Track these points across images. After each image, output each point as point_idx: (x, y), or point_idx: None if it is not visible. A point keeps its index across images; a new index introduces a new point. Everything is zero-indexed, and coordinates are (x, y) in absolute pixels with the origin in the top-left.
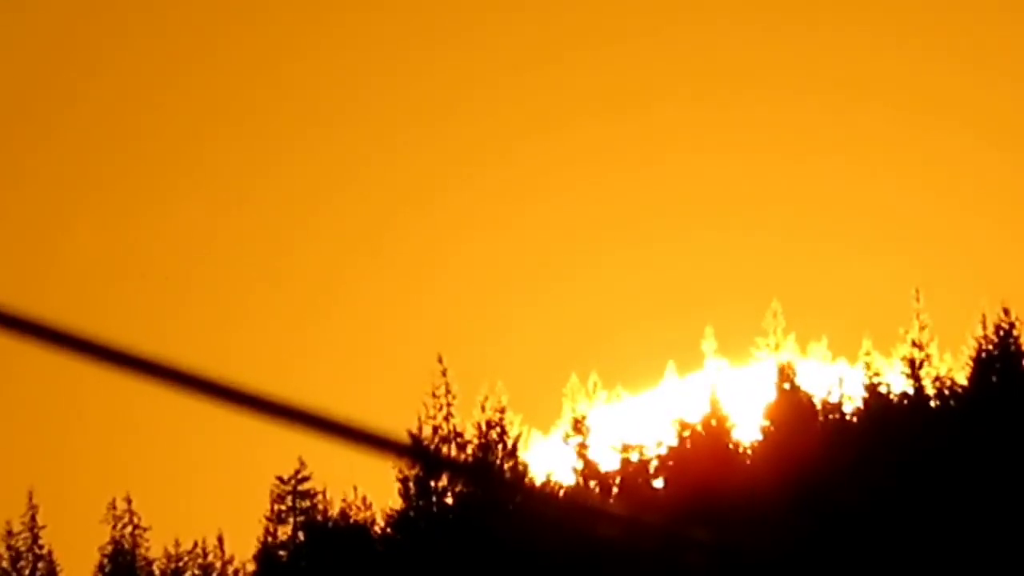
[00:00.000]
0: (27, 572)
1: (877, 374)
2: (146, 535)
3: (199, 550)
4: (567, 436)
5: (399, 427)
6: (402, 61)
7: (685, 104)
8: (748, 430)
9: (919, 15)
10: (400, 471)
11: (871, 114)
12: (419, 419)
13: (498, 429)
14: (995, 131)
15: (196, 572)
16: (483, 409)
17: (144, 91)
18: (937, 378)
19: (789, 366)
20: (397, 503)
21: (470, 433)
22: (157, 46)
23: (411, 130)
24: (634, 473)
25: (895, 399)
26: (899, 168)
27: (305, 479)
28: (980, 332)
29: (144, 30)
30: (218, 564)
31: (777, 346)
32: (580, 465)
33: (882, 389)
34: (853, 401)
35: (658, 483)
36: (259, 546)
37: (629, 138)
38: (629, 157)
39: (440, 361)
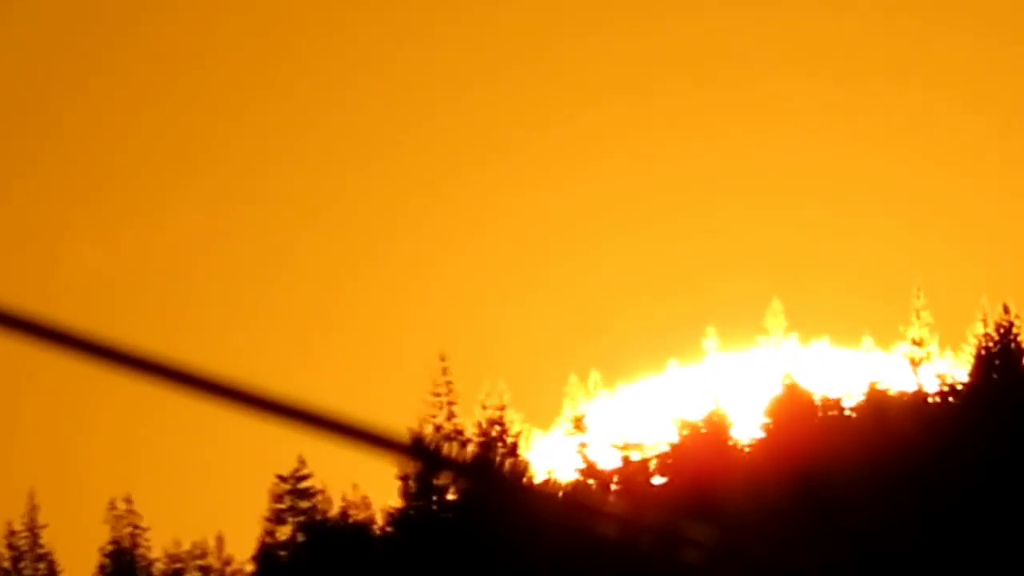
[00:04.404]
0: (28, 572)
1: (878, 371)
2: (146, 535)
3: (199, 550)
4: (568, 434)
5: (400, 425)
6: (400, 62)
7: (686, 103)
8: (748, 427)
9: (919, 16)
10: (400, 470)
11: (873, 113)
12: (420, 418)
13: (499, 427)
14: (996, 130)
15: (196, 572)
16: (484, 407)
17: (145, 95)
18: (937, 375)
19: (790, 363)
20: (397, 502)
21: (471, 431)
22: (157, 48)
23: (413, 130)
24: (634, 471)
25: (895, 396)
26: (901, 167)
27: (305, 478)
28: (980, 330)
29: (144, 33)
30: (218, 564)
31: (778, 343)
32: (580, 463)
33: (882, 386)
34: (853, 398)
35: (658, 480)
36: (259, 546)
37: (630, 137)
38: (630, 156)
39: (441, 359)
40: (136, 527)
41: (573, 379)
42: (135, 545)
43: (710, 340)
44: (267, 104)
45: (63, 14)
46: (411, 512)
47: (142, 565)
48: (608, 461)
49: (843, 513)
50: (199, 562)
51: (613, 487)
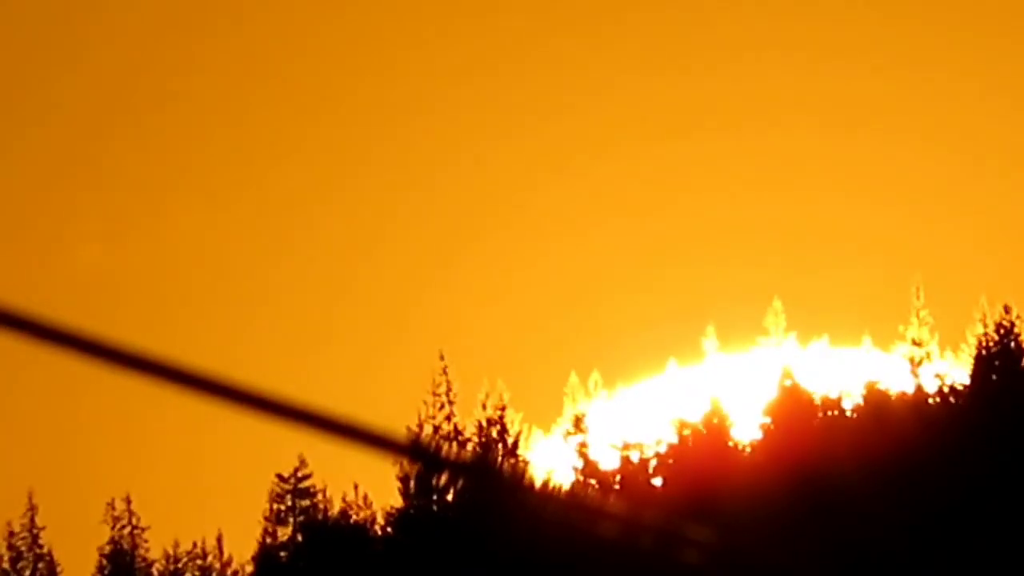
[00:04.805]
0: (27, 573)
1: (877, 372)
2: (145, 535)
3: (198, 551)
4: (567, 434)
5: (400, 425)
6: (404, 64)
7: (685, 100)
8: (748, 427)
9: (921, 13)
10: (400, 470)
11: (873, 113)
12: (420, 417)
13: (499, 427)
14: (997, 130)
15: (195, 573)
16: (484, 407)
17: (147, 93)
18: (937, 376)
19: (789, 364)
20: (397, 502)
21: (471, 431)
22: (157, 47)
23: (413, 129)
24: (634, 471)
25: (895, 397)
26: (901, 166)
27: (305, 477)
28: (980, 330)
29: (144, 32)
30: (217, 565)
31: (778, 343)
32: (580, 464)
33: (882, 387)
34: (853, 399)
35: (658, 481)
36: (258, 547)
37: (629, 136)
38: (628, 155)
39: (441, 359)
40: (135, 527)
41: (573, 379)
42: (134, 545)
43: (710, 340)
44: (270, 104)
45: (64, 13)
46: (411, 512)
47: (141, 566)
48: (608, 461)
49: (843, 513)
50: (199, 562)
51: (613, 487)
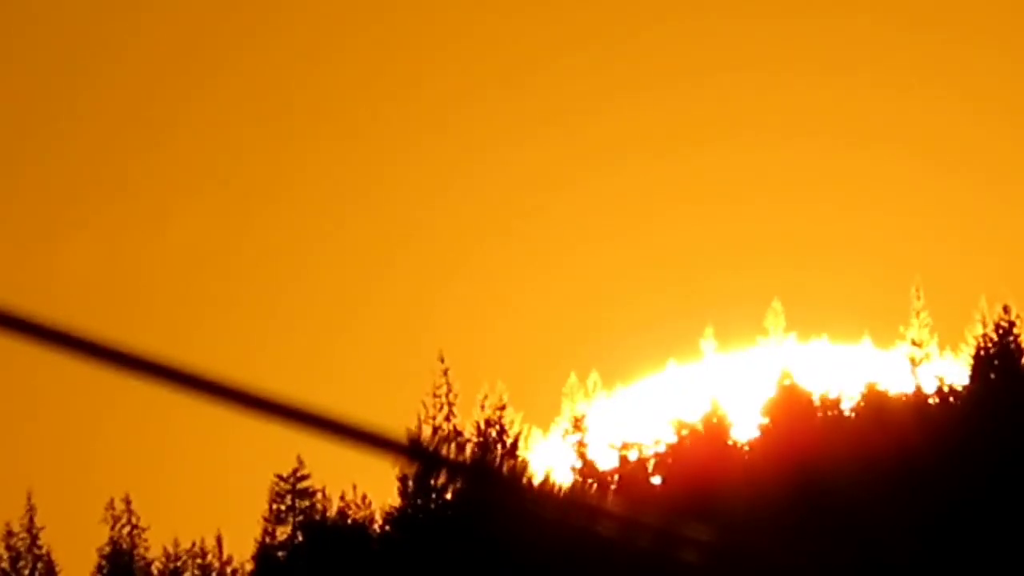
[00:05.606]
0: (26, 573)
1: (876, 372)
2: (145, 535)
3: (198, 550)
4: (566, 434)
5: (400, 426)
6: (410, 68)
7: (686, 101)
8: (747, 427)
9: (918, 15)
10: (400, 470)
11: (873, 113)
12: (419, 418)
13: (498, 428)
14: (997, 130)
15: (195, 572)
16: (483, 408)
17: (152, 96)
18: (937, 376)
19: (789, 363)
20: (396, 501)
21: (470, 431)
22: (166, 51)
23: (414, 132)
24: (633, 471)
25: (895, 397)
26: (901, 166)
27: (304, 477)
28: (980, 330)
29: (150, 34)
30: (217, 564)
31: (778, 343)
32: (579, 463)
33: (882, 387)
34: (853, 398)
35: (657, 480)
36: (257, 546)
37: (628, 137)
38: (628, 155)
39: (441, 360)
40: (135, 527)
41: (572, 379)
42: (134, 545)
43: (708, 340)
44: (271, 106)
45: (64, 13)
46: (410, 512)
47: (140, 565)
48: (607, 461)
49: (842, 513)
50: (198, 561)
51: (612, 487)
